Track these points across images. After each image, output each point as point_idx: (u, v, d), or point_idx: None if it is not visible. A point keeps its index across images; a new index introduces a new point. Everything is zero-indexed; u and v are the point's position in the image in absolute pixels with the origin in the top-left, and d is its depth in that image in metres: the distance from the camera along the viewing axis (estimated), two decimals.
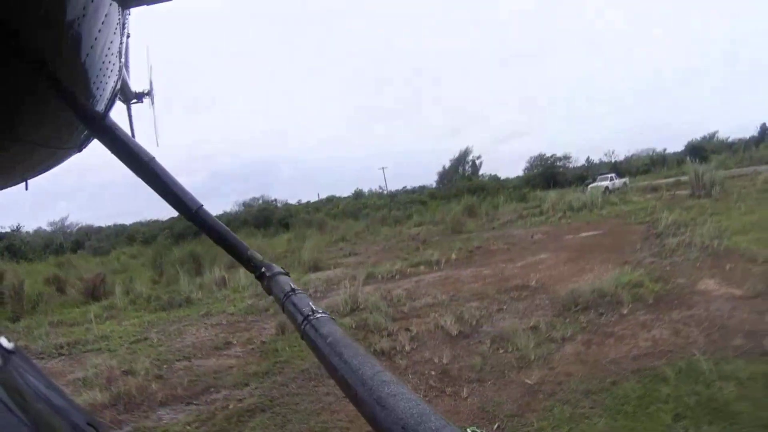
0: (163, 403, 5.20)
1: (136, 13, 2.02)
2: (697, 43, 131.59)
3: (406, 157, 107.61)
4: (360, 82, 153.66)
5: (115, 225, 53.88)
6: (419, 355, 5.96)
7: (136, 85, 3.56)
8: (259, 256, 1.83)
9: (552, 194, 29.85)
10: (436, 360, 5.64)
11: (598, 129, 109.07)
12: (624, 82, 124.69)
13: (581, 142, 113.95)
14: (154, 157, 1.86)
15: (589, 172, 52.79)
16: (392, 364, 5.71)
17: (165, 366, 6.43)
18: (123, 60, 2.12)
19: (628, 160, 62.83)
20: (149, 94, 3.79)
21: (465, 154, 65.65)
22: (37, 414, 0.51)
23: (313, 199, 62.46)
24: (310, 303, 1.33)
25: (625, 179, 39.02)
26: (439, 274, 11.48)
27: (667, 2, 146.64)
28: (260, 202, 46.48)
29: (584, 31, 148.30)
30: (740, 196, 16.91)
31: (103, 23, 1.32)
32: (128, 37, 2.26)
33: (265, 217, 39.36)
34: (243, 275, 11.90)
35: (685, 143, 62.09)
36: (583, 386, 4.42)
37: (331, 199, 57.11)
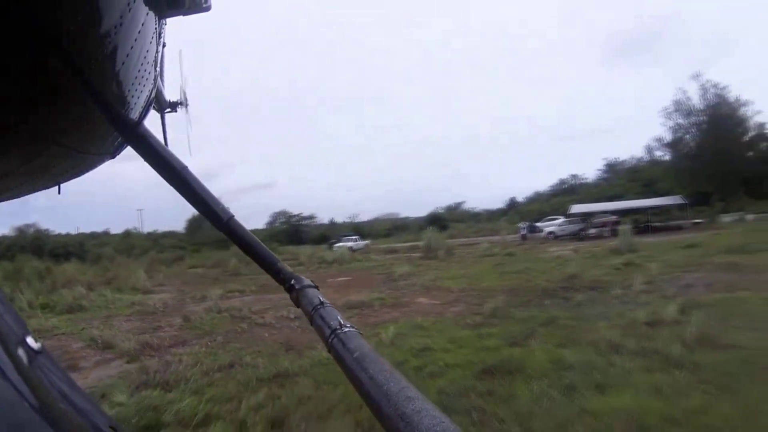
0: (170, 347, 9.71)
1: (171, 23, 2.06)
2: (456, 116, 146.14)
3: (157, 199, 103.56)
4: None
5: None
6: (279, 325, 11.75)
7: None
8: (288, 269, 2.00)
9: (306, 249, 36.73)
10: (290, 327, 11.47)
11: (345, 190, 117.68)
12: (377, 147, 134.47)
13: (326, 201, 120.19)
14: (186, 166, 2.00)
15: (332, 232, 58.55)
16: (267, 330, 11.38)
17: (136, 336, 10.69)
18: (158, 69, 2.22)
19: (371, 223, 69.78)
20: (183, 103, 3.86)
21: None
22: (61, 414, 0.54)
23: (69, 231, 56.92)
24: (339, 317, 1.44)
25: (367, 241, 47.50)
26: (253, 297, 17.09)
27: (431, 72, 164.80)
28: (32, 230, 42.77)
29: (342, 92, 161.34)
30: (461, 258, 26.20)
31: (139, 32, 1.36)
32: (164, 46, 2.39)
33: (38, 246, 37.33)
34: (109, 292, 15.55)
35: (429, 210, 70.82)
36: (361, 328, 10.96)
37: (94, 236, 54.29)
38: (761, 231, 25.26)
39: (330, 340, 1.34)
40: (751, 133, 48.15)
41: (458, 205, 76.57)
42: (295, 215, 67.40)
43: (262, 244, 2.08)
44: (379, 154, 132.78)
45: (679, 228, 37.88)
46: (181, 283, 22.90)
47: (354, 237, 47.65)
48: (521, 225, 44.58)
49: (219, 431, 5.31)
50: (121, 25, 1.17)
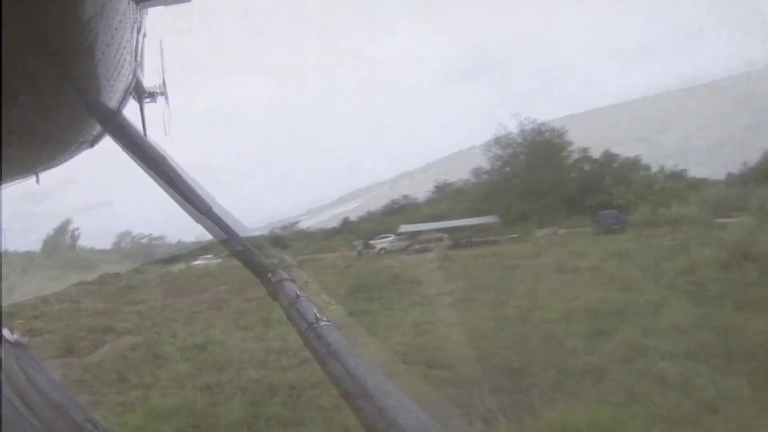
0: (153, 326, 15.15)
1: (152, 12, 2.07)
2: (295, 138, 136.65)
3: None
4: None
5: None
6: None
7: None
8: (265, 261, 1.97)
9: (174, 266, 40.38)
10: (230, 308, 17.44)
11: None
12: (208, 160, 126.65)
13: (168, 219, 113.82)
14: (165, 156, 2.02)
15: (178, 252, 54.87)
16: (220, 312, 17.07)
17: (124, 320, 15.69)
18: (138, 58, 2.24)
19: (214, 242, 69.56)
20: (163, 92, 3.92)
21: (66, 223, 62.97)
22: (39, 408, 0.55)
23: None
24: (315, 310, 1.45)
25: (220, 259, 49.51)
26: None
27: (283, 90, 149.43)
28: None
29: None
30: (311, 271, 30.21)
31: (119, 21, 1.35)
32: (144, 36, 2.34)
33: None
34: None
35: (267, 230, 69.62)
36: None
37: None
38: (558, 243, 32.57)
39: (306, 333, 1.33)
40: (575, 156, 57.12)
41: (293, 224, 75.37)
42: (145, 236, 60.76)
43: (239, 236, 2.10)
44: (214, 168, 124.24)
45: (495, 242, 42.28)
46: (90, 295, 26.45)
47: (209, 255, 49.20)
48: (356, 243, 47.99)
49: (241, 335, 11.60)
50: (101, 14, 1.17)
